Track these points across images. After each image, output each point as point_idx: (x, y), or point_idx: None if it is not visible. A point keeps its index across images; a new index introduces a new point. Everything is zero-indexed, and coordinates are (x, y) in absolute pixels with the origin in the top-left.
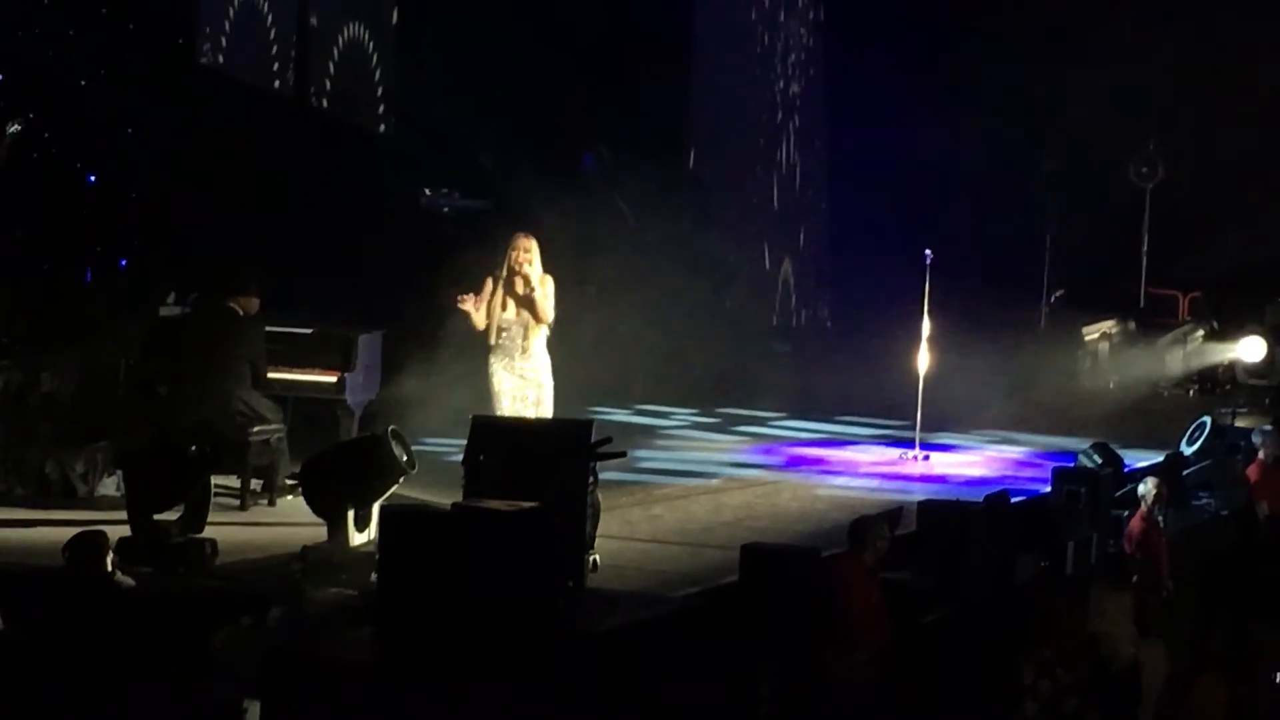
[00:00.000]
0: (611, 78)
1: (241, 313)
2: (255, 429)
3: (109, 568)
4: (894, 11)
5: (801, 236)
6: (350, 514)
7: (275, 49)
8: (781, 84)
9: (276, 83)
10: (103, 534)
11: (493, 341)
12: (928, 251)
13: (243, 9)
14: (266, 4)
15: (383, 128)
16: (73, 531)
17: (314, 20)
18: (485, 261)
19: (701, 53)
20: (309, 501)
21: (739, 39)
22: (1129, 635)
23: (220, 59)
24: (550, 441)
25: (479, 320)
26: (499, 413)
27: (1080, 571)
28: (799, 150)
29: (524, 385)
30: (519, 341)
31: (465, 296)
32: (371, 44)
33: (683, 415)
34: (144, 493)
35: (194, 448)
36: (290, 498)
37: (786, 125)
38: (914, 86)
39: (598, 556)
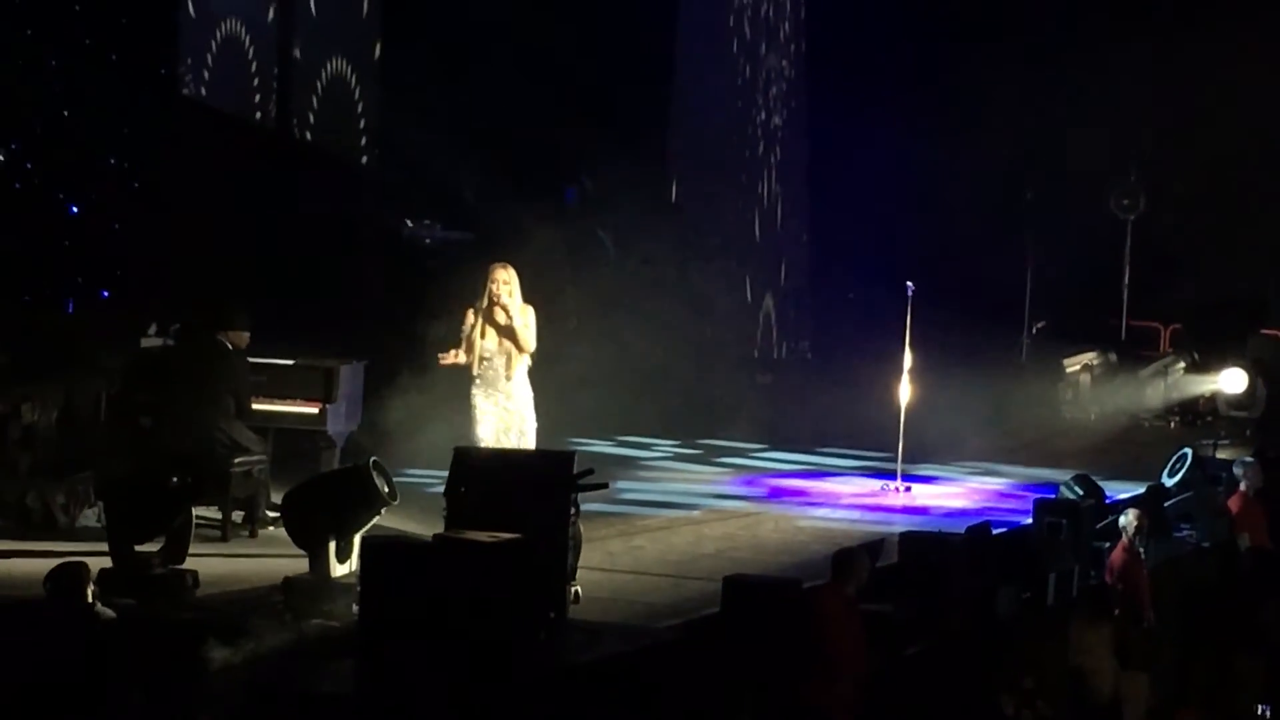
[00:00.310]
0: (594, 109)
1: (230, 346)
2: (237, 460)
3: (90, 599)
4: (875, 45)
5: (783, 268)
6: (332, 545)
7: (258, 80)
8: (763, 116)
9: (259, 114)
10: (84, 565)
11: (475, 372)
12: (909, 283)
13: (225, 41)
14: (248, 36)
15: (365, 159)
16: (53, 563)
17: (297, 52)
18: (466, 293)
19: (683, 84)
20: (290, 533)
21: (721, 71)
22: (1110, 667)
23: (203, 90)
24: (532, 473)
25: (461, 359)
26: (481, 443)
27: (1061, 603)
28: (780, 182)
29: (508, 415)
30: (502, 371)
31: (446, 354)
32: (354, 76)
33: (664, 446)
34: (125, 524)
35: (175, 479)
36: (272, 529)
37: (768, 157)
38: (895, 119)
39: (579, 588)
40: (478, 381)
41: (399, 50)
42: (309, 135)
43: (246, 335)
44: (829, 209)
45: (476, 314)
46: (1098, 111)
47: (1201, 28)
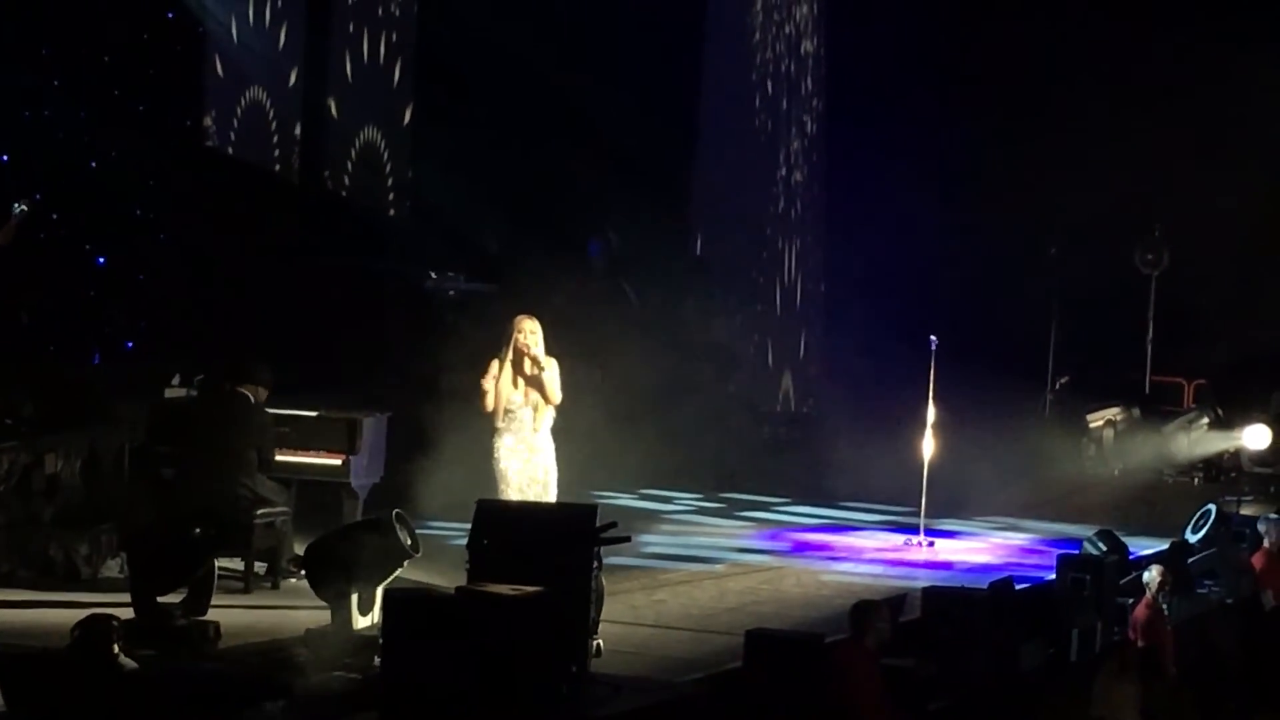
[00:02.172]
0: (618, 163)
1: (253, 399)
2: (259, 511)
3: (115, 652)
4: (895, 99)
5: (805, 322)
6: (354, 597)
7: (285, 136)
8: (784, 171)
9: (286, 168)
10: (112, 618)
11: (499, 424)
12: (933, 338)
13: (252, 98)
14: (275, 94)
15: (392, 212)
16: (76, 614)
17: (331, 108)
18: (490, 345)
19: (707, 139)
20: (312, 584)
21: (744, 126)
22: None
23: (230, 145)
24: (554, 526)
25: (489, 402)
26: (506, 494)
27: (1085, 659)
28: (801, 237)
29: (533, 467)
30: (529, 423)
31: (486, 376)
32: (381, 131)
33: (687, 500)
34: (147, 575)
35: (198, 530)
36: (294, 580)
37: (789, 212)
38: (917, 173)
39: (601, 641)
40: (502, 432)
41: (427, 103)
42: (334, 187)
43: (266, 391)
44: (850, 263)
45: (501, 364)
46: (1121, 166)
47: (1224, 79)
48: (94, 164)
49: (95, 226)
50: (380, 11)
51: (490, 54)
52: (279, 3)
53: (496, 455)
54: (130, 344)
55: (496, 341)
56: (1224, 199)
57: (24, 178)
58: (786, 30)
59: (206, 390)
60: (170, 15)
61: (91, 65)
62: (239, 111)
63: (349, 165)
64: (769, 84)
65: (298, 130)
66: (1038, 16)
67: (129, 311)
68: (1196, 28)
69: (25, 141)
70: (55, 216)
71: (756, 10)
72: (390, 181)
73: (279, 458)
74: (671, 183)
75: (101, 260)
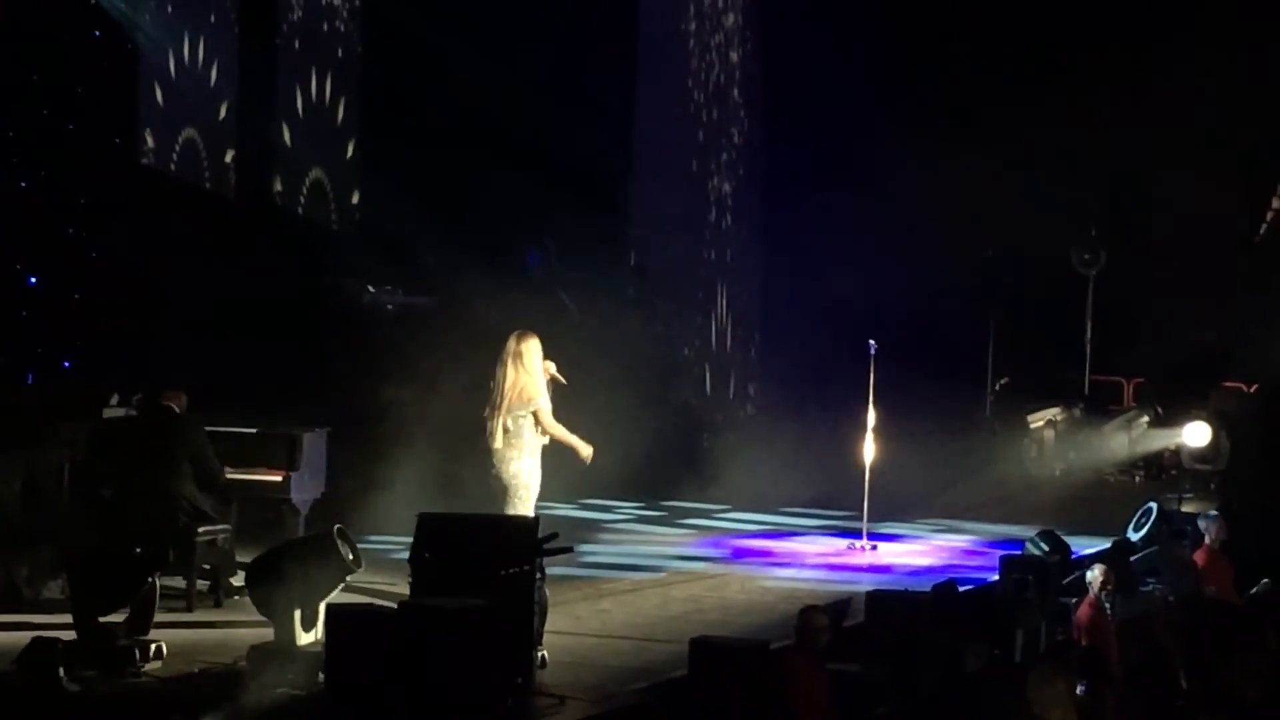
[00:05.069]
0: (554, 175)
1: (177, 409)
2: (201, 529)
3: (59, 675)
4: (830, 105)
5: (741, 330)
6: (297, 613)
7: (219, 152)
8: (715, 180)
9: (220, 182)
10: (56, 640)
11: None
12: (872, 341)
13: (183, 108)
14: (209, 103)
15: (329, 228)
16: (15, 636)
17: (260, 121)
18: (428, 358)
19: (641, 148)
20: (255, 601)
21: (677, 135)
22: None
23: (161, 158)
24: (496, 538)
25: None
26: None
27: (1029, 660)
28: (736, 245)
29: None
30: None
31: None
32: (318, 148)
33: (627, 509)
34: (89, 596)
35: (139, 549)
36: (237, 597)
37: (720, 222)
38: (853, 178)
39: (546, 652)
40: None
41: (363, 120)
42: (270, 203)
43: (185, 396)
44: (787, 270)
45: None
46: (1058, 166)
47: (1155, 79)
48: (23, 184)
49: (26, 246)
50: (325, 26)
51: (424, 66)
52: (213, 20)
53: (519, 470)
54: (67, 363)
55: (435, 355)
56: (1161, 197)
57: None
58: (717, 39)
59: (143, 408)
60: (97, 34)
61: (19, 84)
62: (169, 126)
63: (286, 183)
64: (699, 94)
65: (234, 151)
66: (972, 21)
67: (64, 331)
68: (1125, 30)
69: None
70: None
71: (690, 17)
72: (331, 198)
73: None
74: (607, 193)
75: (33, 280)
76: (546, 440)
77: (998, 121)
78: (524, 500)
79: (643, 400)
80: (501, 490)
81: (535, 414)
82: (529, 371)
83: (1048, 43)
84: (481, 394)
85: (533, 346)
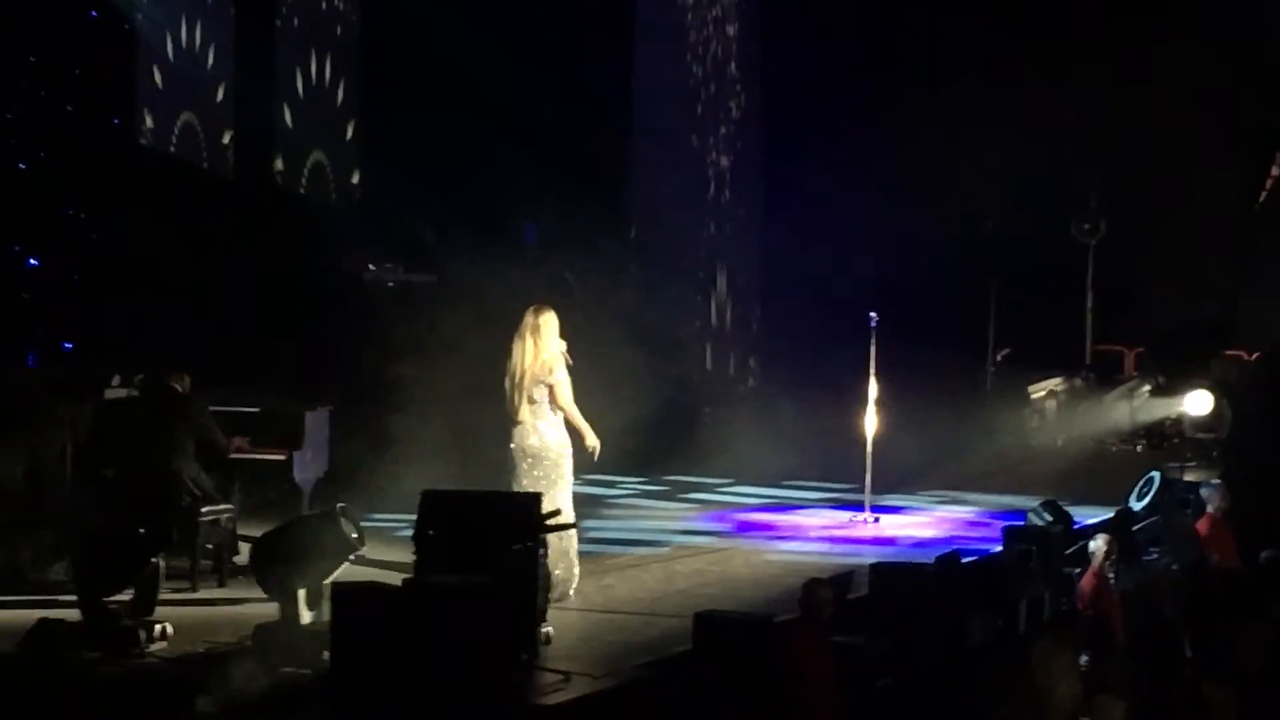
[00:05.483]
0: (553, 150)
1: (180, 388)
2: (204, 509)
3: (64, 656)
4: (829, 79)
5: (741, 304)
6: (301, 592)
7: (217, 130)
8: (713, 155)
9: (218, 163)
10: (61, 621)
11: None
12: (873, 314)
13: (181, 90)
14: (205, 80)
15: (327, 204)
16: (22, 617)
17: (259, 102)
18: (430, 335)
19: (640, 124)
20: (259, 580)
21: (675, 110)
22: (1072, 691)
23: (160, 139)
24: (500, 515)
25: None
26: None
27: (1033, 630)
28: (736, 219)
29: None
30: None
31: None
32: (318, 124)
33: (630, 484)
34: (93, 577)
35: (142, 529)
36: (240, 577)
37: (719, 196)
38: (851, 150)
39: (551, 629)
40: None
41: (361, 94)
42: (269, 180)
43: (187, 377)
44: (787, 243)
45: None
46: (1056, 138)
47: (1157, 48)
48: (23, 165)
49: (26, 228)
50: (324, 5)
51: (420, 42)
52: (210, 2)
53: (558, 452)
54: (69, 345)
55: (436, 332)
56: (1161, 166)
57: None
58: (714, 13)
59: (145, 389)
60: (94, 14)
61: (16, 65)
62: (167, 105)
63: (287, 163)
64: (697, 68)
65: (232, 132)
66: None
67: (65, 313)
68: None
69: None
70: None
71: None
72: (331, 178)
73: None
74: (606, 168)
75: (33, 261)
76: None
77: (996, 92)
78: (560, 465)
79: (644, 374)
80: (525, 460)
81: (552, 388)
82: (547, 346)
83: (1047, 11)
84: (484, 370)
85: (550, 320)
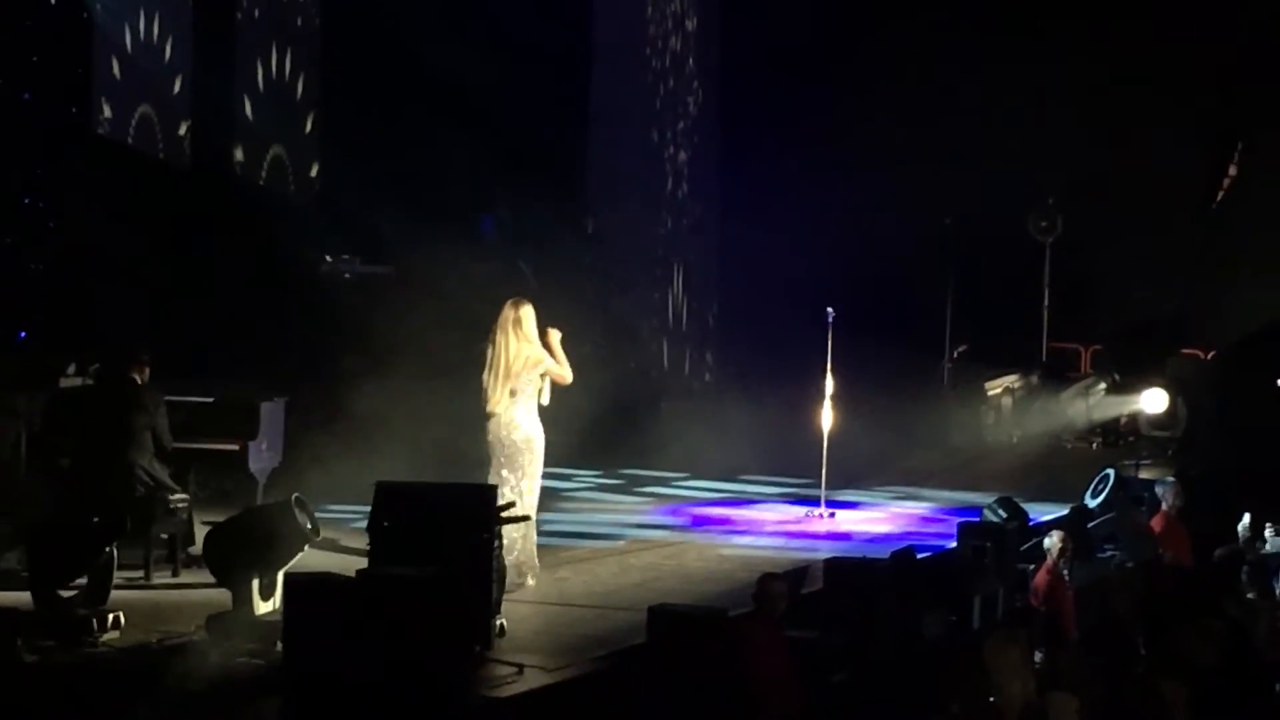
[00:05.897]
0: (510, 142)
1: (140, 380)
2: (158, 498)
3: (17, 648)
4: (788, 72)
5: (698, 299)
6: (255, 583)
7: (174, 121)
8: (671, 150)
9: (175, 155)
10: (14, 611)
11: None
12: (829, 310)
13: (138, 81)
14: (163, 71)
15: (285, 195)
16: None
17: (213, 89)
18: (385, 327)
19: (598, 117)
20: (213, 570)
21: (633, 103)
22: (1025, 688)
23: (118, 129)
24: (454, 506)
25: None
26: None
27: (987, 626)
28: (694, 213)
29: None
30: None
31: None
32: (274, 116)
33: (586, 477)
34: (47, 567)
35: (96, 519)
36: (195, 567)
37: (676, 190)
38: (809, 148)
39: (504, 621)
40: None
41: (318, 88)
42: (227, 171)
43: (147, 367)
44: (745, 238)
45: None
46: (1015, 134)
47: (1116, 46)
48: None
49: None
50: None
51: (381, 35)
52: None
53: (530, 436)
54: (23, 334)
55: (393, 325)
56: (1117, 165)
57: None
58: (673, 7)
59: (100, 378)
60: (52, 3)
61: None
62: (124, 94)
63: (247, 155)
64: (656, 62)
65: (189, 124)
66: None
67: (20, 301)
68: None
69: None
70: None
71: None
72: (290, 171)
73: (177, 444)
74: (564, 161)
75: None
76: (546, 403)
77: (954, 89)
78: (537, 456)
79: (600, 368)
80: (504, 452)
81: (550, 374)
82: (528, 337)
83: (1008, 8)
84: (441, 361)
85: (529, 312)
